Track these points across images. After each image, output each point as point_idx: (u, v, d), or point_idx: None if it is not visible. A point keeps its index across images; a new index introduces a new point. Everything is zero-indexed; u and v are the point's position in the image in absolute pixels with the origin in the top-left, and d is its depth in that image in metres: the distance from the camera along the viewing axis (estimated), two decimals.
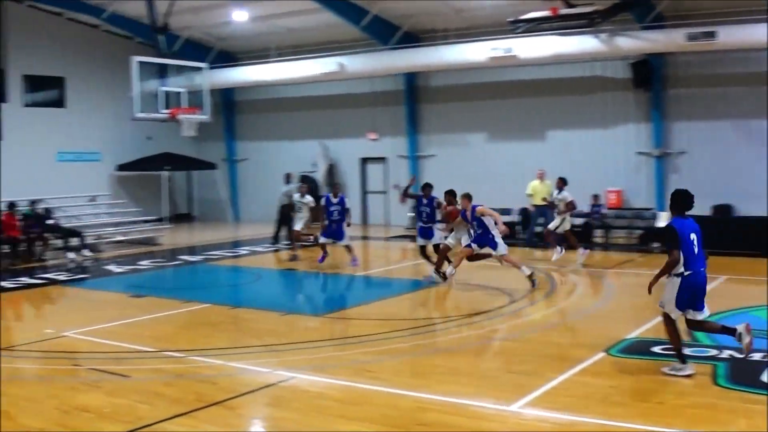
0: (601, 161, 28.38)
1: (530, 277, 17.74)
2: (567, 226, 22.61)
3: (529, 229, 26.46)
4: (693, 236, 10.48)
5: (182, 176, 38.87)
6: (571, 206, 22.45)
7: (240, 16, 30.92)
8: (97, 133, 34.81)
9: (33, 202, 25.12)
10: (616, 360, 11.59)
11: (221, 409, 9.67)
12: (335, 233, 21.69)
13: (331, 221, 21.65)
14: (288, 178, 27.46)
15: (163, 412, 9.52)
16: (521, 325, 14.31)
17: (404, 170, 32.89)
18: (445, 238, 19.48)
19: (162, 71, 28.04)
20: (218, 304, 16.63)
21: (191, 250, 27.27)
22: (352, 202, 33.26)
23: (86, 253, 25.43)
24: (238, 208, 38.50)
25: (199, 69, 26.89)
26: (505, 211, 27.61)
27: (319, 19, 30.76)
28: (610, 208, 27.78)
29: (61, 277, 21.39)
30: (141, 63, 24.38)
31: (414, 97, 32.82)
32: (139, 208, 32.13)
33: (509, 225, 27.28)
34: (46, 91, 34.31)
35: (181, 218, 37.67)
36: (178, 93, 25.96)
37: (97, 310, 16.63)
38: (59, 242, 25.29)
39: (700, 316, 10.66)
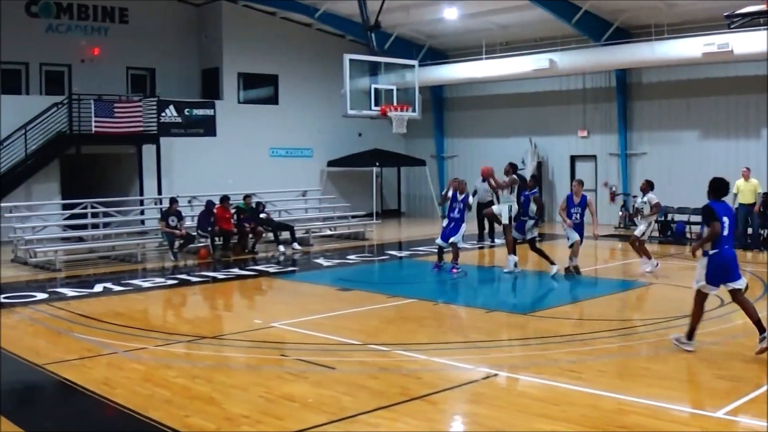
0: None
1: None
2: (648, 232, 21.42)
3: (738, 229, 25.50)
4: (725, 219, 11.78)
5: (391, 172, 39.22)
6: (656, 209, 21.24)
7: (451, 13, 30.92)
8: (309, 129, 35.52)
9: (246, 196, 25.71)
10: None
11: (423, 403, 9.61)
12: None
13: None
14: None
15: (366, 404, 9.53)
16: (731, 329, 13.67)
17: (614, 168, 32.25)
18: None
19: (373, 69, 28.29)
20: (423, 300, 16.62)
21: (398, 246, 27.44)
22: (561, 200, 33.04)
23: (296, 246, 25.91)
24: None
25: (409, 66, 26.98)
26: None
27: (530, 16, 30.47)
28: None
29: (271, 270, 21.87)
30: (353, 61, 24.64)
31: (625, 93, 32.06)
32: (348, 203, 32.52)
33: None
34: (261, 88, 35.30)
35: (389, 214, 38.01)
36: (389, 90, 26.11)
37: (304, 303, 16.91)
38: (270, 235, 25.83)
39: (738, 285, 11.73)
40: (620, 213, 31.39)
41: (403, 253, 25.19)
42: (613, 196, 31.96)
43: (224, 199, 24.85)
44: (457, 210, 20.45)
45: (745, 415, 9.09)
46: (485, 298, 14.18)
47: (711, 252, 11.66)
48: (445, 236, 20.54)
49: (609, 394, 9.80)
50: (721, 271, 11.68)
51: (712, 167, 28.36)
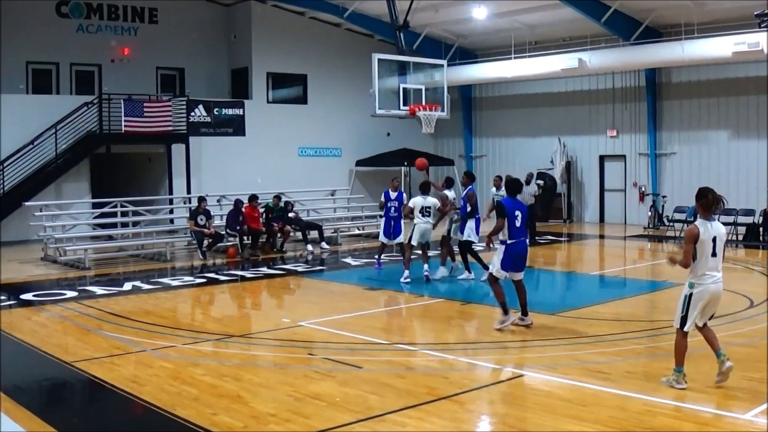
0: None
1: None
2: None
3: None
4: (518, 213, 13.48)
5: (419, 172, 39.18)
6: None
7: (479, 12, 30.85)
8: (337, 129, 35.59)
9: (276, 196, 25.76)
10: None
11: (450, 403, 9.60)
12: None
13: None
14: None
15: (393, 403, 9.53)
16: (760, 331, 13.54)
17: (644, 168, 32.12)
18: None
19: (402, 68, 28.28)
20: (450, 299, 16.61)
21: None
22: (590, 200, 32.90)
23: (324, 245, 25.96)
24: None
25: (438, 66, 26.96)
26: (749, 212, 26.64)
27: (559, 15, 30.42)
28: None
29: (299, 269, 21.90)
30: (381, 60, 24.64)
31: (655, 93, 31.90)
32: (376, 202, 32.49)
33: (753, 226, 26.35)
34: (290, 87, 35.42)
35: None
36: (418, 90, 26.09)
37: (332, 302, 16.93)
38: (298, 235, 25.88)
39: (517, 277, 13.64)
40: (649, 213, 31.24)
41: (431, 253, 25.10)
42: (642, 196, 31.83)
43: (253, 198, 24.89)
44: (393, 209, 20.43)
45: None
46: (512, 298, 14.14)
47: (509, 242, 13.36)
48: (388, 234, 20.86)
49: (637, 395, 9.75)
50: (513, 260, 13.46)
51: (742, 167, 28.39)
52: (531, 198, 26.05)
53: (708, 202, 10.25)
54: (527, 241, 14.18)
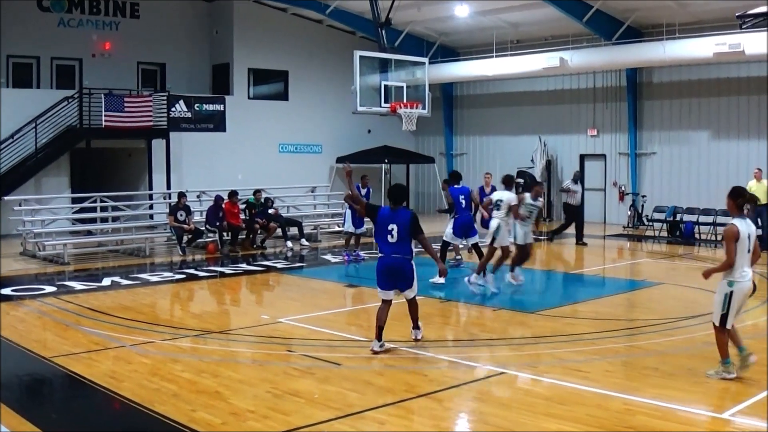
0: None
1: None
2: None
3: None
4: (461, 196, 18.77)
5: (400, 169, 39.21)
6: None
7: (462, 11, 30.89)
8: (319, 125, 35.59)
9: (257, 192, 25.73)
10: None
11: (429, 400, 9.62)
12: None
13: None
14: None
15: (373, 400, 9.56)
16: (738, 330, 13.66)
17: (624, 168, 32.22)
18: None
19: (383, 66, 28.25)
20: (430, 297, 16.60)
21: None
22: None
23: (304, 242, 25.96)
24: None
25: (419, 63, 26.96)
26: (727, 212, 26.74)
27: (541, 14, 30.50)
28: None
29: (279, 265, 21.92)
30: (363, 57, 24.63)
31: (636, 93, 32.03)
32: None
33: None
34: (271, 84, 35.34)
35: None
36: (399, 87, 26.09)
37: (312, 299, 16.92)
38: (278, 231, 25.85)
39: (475, 240, 19.30)
40: (629, 212, 31.37)
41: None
42: (622, 196, 31.96)
43: (232, 194, 24.87)
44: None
45: (751, 416, 9.09)
46: (492, 296, 14.18)
47: (455, 216, 19.15)
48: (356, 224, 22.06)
49: (616, 394, 9.81)
50: (462, 229, 19.20)
51: (722, 168, 28.49)
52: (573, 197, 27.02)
53: (743, 201, 10.53)
54: (470, 214, 19.33)
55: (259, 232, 25.27)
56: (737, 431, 8.78)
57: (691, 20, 28.63)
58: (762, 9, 23.14)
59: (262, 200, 25.58)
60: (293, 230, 26.18)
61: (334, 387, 10.09)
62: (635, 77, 31.93)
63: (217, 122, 30.97)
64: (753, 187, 24.68)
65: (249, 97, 34.25)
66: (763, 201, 24.53)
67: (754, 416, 9.09)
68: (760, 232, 24.77)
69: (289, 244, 25.22)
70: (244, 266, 21.56)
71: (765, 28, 24.74)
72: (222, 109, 31.02)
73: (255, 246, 25.02)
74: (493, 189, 20.76)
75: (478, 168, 35.48)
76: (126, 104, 28.18)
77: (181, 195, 24.59)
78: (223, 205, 24.45)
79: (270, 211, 25.74)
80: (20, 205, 24.68)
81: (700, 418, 9.08)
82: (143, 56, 32.97)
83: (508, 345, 12.56)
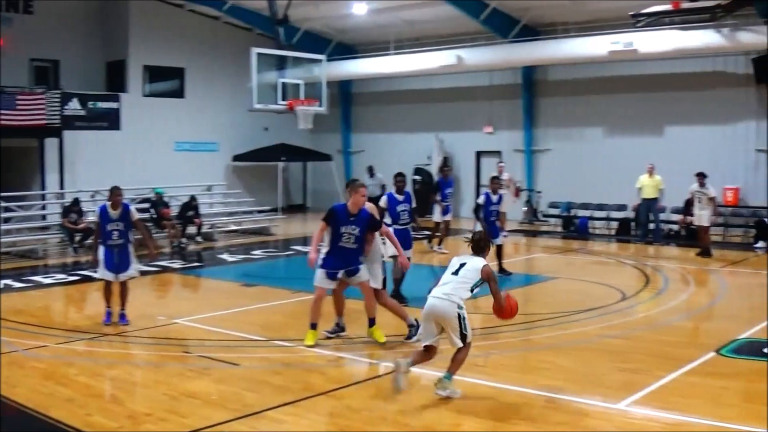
0: (720, 158, 27.57)
1: None
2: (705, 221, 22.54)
3: (642, 224, 26.06)
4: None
5: (297, 167, 39.15)
6: (714, 201, 22.57)
7: (360, 8, 30.91)
8: (215, 123, 35.24)
9: (155, 191, 25.50)
10: (727, 360, 11.37)
11: (328, 399, 9.65)
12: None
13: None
14: (371, 171, 28.16)
15: (270, 400, 9.53)
16: (632, 322, 13.98)
17: (519, 164, 32.59)
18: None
19: (280, 63, 28.18)
20: (328, 295, 16.57)
21: (304, 241, 27.35)
22: (466, 195, 33.19)
23: (200, 241, 25.77)
24: None
25: (317, 61, 26.97)
26: (621, 207, 27.45)
27: (438, 12, 30.65)
28: (726, 206, 27.03)
29: (175, 265, 21.70)
30: (260, 54, 24.54)
31: (532, 90, 32.45)
32: (253, 198, 32.43)
33: (625, 221, 27.22)
34: (167, 81, 34.88)
35: (295, 209, 37.92)
36: (296, 85, 26.07)
37: (209, 298, 16.86)
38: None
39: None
40: (524, 209, 31.76)
41: (308, 248, 25.10)
42: (517, 192, 32.31)
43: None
44: None
45: (645, 406, 9.31)
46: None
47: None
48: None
49: (512, 387, 9.98)
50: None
51: (616, 164, 29.09)
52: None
53: None
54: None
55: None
56: (632, 421, 8.95)
57: (586, 19, 29.12)
58: (655, 8, 23.68)
59: (163, 199, 25.42)
60: (190, 229, 25.95)
61: (231, 387, 10.04)
62: (531, 75, 32.34)
63: (111, 120, 30.40)
64: (645, 181, 25.29)
65: (144, 95, 33.71)
66: (653, 195, 25.14)
67: (648, 406, 9.31)
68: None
69: (185, 242, 25.01)
70: (140, 267, 21.25)
71: (658, 27, 25.38)
72: (117, 106, 30.48)
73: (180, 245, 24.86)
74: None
75: (376, 166, 35.56)
76: (18, 102, 27.53)
77: (76, 201, 24.30)
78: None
79: (165, 210, 25.50)
80: None
81: (595, 409, 9.24)
82: (36, 53, 32.18)
83: (405, 342, 12.56)
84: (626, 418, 9.00)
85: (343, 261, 12.48)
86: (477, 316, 14.46)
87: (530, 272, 20.66)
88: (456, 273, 9.98)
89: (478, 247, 10.28)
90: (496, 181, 19.72)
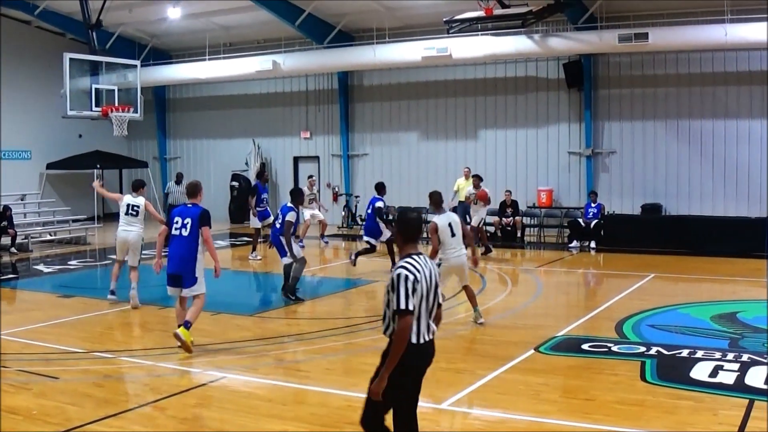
0: (534, 160, 28.60)
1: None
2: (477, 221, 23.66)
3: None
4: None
5: (113, 174, 38.45)
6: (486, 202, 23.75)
7: (174, 13, 30.57)
8: (27, 130, 34.24)
9: None
10: (546, 357, 11.78)
11: (151, 410, 9.61)
12: None
13: None
14: (179, 178, 28.38)
15: (93, 413, 9.43)
16: (452, 323, 14.30)
17: (337, 169, 32.89)
18: None
19: (94, 68, 27.69)
20: (147, 305, 16.44)
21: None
22: (284, 201, 33.25)
23: (15, 252, 25.13)
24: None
25: (131, 66, 26.62)
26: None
27: (253, 17, 30.62)
28: (540, 207, 27.97)
29: None
30: (73, 60, 24.08)
31: (348, 95, 32.82)
32: (68, 207, 31.78)
33: None
34: None
35: (111, 217, 37.19)
36: (111, 90, 25.67)
37: (25, 311, 16.42)
38: None
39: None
40: (343, 213, 32.05)
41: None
42: (335, 196, 32.59)
43: None
44: None
45: (468, 405, 9.62)
46: (210, 299, 14.14)
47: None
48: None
49: (337, 391, 10.13)
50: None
51: (431, 167, 29.71)
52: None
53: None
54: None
55: None
56: (456, 420, 9.24)
57: (401, 25, 29.64)
58: (468, 14, 24.25)
59: None
60: (4, 240, 25.28)
61: (52, 402, 9.89)
62: (347, 80, 32.70)
63: None
64: (461, 184, 25.90)
65: None
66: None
67: (470, 405, 9.64)
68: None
69: None
70: None
71: (471, 33, 26.03)
72: None
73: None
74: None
75: (192, 172, 35.23)
76: None
77: None
78: None
79: None
80: None
81: (419, 410, 9.45)
82: None
83: (229, 349, 12.62)
84: (450, 417, 9.28)
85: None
86: (302, 322, 14.63)
87: (351, 276, 20.88)
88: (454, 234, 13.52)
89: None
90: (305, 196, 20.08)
